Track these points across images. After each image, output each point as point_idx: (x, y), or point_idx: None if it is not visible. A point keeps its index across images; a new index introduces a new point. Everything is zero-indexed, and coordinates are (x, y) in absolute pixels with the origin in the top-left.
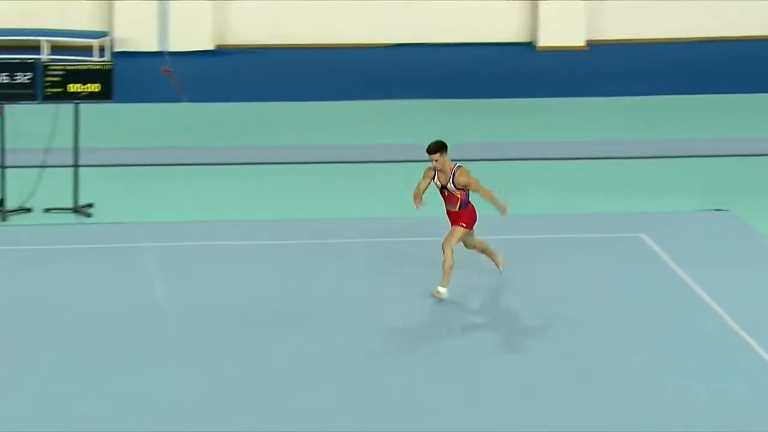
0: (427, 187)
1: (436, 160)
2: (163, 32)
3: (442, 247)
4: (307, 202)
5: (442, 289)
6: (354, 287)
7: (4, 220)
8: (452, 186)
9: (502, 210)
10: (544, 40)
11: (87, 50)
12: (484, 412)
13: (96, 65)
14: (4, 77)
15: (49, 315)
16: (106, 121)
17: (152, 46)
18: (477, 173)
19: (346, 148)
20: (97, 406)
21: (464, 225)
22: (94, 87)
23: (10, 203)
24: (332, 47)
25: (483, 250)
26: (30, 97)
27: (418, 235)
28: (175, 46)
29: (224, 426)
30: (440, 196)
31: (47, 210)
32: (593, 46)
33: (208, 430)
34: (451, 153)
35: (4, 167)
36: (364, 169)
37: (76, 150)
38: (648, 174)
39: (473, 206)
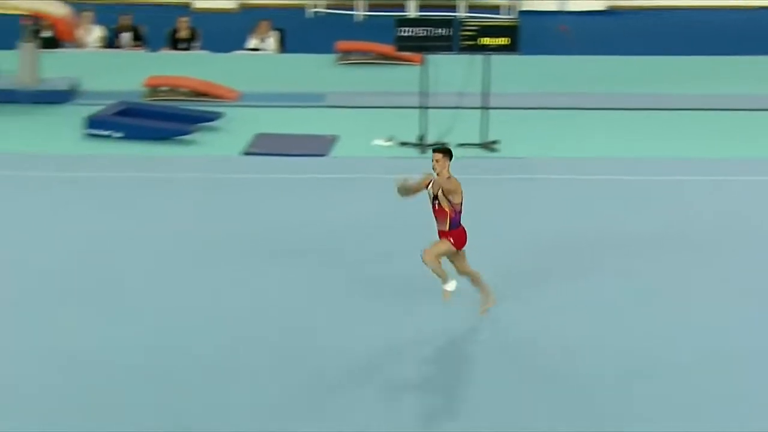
0: (416, 189)
1: (437, 161)
2: None
3: (423, 261)
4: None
5: (448, 286)
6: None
7: (423, 152)
8: (442, 195)
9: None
10: None
11: (496, 9)
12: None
13: (505, 22)
14: (427, 31)
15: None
16: (512, 70)
17: (552, 7)
18: None
19: (726, 98)
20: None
21: (452, 241)
22: (503, 41)
23: (430, 138)
24: (709, 9)
25: (474, 281)
26: (448, 49)
27: None
28: (572, 6)
29: None
30: (432, 211)
31: (459, 145)
32: None
33: None
34: None
35: (425, 108)
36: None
37: (485, 94)
38: None
39: (464, 230)
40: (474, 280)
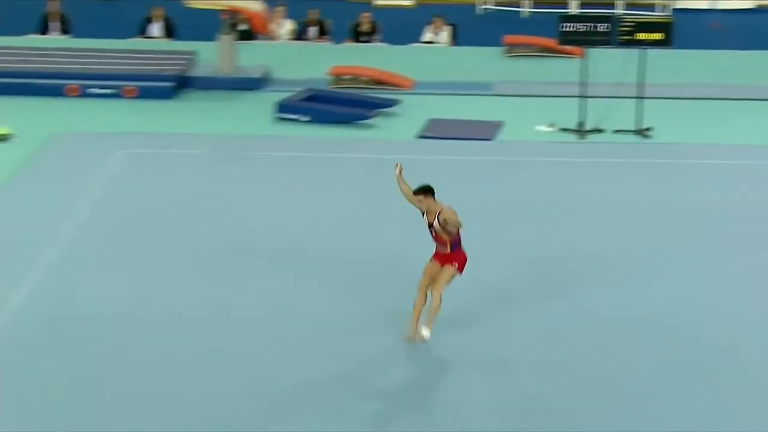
0: (408, 195)
1: (420, 201)
2: None
3: (431, 292)
4: None
5: (426, 332)
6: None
7: (582, 138)
8: (437, 225)
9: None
10: None
11: (651, 6)
12: None
13: (660, 18)
14: (587, 26)
15: (604, 212)
16: (666, 63)
17: (704, 5)
18: None
19: None
20: None
21: (456, 265)
22: (658, 35)
23: (588, 125)
24: None
25: (432, 304)
26: (606, 43)
27: None
28: (723, 5)
29: None
30: (430, 235)
31: (615, 131)
32: None
33: None
34: None
35: (585, 97)
36: None
37: (640, 85)
38: None
39: (464, 251)
40: (434, 302)
